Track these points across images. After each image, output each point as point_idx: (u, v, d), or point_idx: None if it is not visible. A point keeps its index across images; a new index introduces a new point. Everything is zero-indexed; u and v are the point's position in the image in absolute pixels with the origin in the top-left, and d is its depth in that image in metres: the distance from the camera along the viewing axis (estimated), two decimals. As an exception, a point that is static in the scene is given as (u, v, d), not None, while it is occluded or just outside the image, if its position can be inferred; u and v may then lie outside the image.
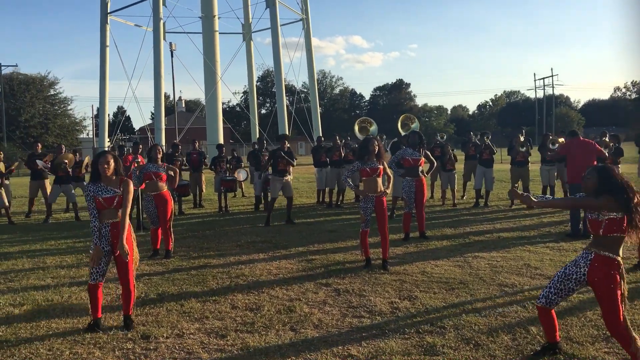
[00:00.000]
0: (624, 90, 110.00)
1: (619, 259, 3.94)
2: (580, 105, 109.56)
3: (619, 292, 3.89)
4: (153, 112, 50.74)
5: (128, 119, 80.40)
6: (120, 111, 72.01)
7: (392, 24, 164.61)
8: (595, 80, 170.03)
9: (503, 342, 4.60)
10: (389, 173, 7.57)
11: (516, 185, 13.11)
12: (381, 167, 7.32)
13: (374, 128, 13.04)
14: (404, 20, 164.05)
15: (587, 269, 4.01)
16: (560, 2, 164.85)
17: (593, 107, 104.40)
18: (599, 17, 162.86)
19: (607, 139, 12.53)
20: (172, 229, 8.46)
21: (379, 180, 7.33)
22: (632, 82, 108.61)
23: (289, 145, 11.64)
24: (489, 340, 4.65)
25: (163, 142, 34.07)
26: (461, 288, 6.23)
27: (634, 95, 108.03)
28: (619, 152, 12.60)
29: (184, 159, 14.29)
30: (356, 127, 13.35)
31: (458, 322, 5.11)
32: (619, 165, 12.62)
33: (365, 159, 7.30)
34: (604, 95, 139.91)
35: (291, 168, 11.54)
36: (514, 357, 4.32)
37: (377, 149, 7.30)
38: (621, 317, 3.89)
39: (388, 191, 7.48)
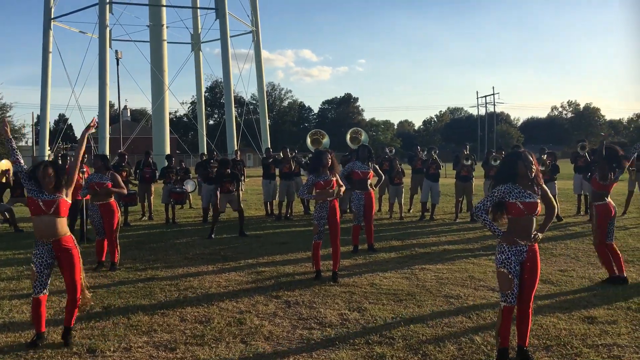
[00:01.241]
0: (560, 109, 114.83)
1: None
2: (519, 123, 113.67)
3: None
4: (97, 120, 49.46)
5: (70, 127, 78.03)
6: (62, 119, 69.78)
7: (342, 39, 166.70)
8: (534, 99, 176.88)
9: (449, 352, 4.74)
10: (342, 185, 7.70)
11: (460, 199, 13.48)
12: (334, 179, 7.43)
13: (326, 141, 13.16)
14: (353, 35, 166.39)
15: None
16: (502, 23, 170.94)
17: (532, 125, 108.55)
18: (538, 39, 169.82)
19: (544, 157, 13.07)
20: (118, 241, 8.29)
21: (332, 192, 7.43)
22: (567, 102, 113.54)
23: (239, 158, 11.61)
24: (435, 350, 4.77)
25: (107, 152, 33.26)
26: (409, 299, 6.36)
27: (569, 115, 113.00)
28: (556, 169, 13.17)
29: (131, 169, 14.02)
30: (308, 140, 13.44)
31: (406, 332, 5.22)
32: (555, 182, 13.20)
33: (319, 171, 7.38)
34: (542, 113, 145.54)
35: (243, 181, 11.52)
36: (460, 366, 4.45)
37: (330, 162, 7.40)
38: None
39: (341, 193, 7.58)
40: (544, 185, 4.55)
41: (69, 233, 5.04)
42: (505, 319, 4.43)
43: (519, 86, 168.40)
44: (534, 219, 4.47)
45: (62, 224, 4.97)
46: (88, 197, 8.35)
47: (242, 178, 16.19)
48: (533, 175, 4.44)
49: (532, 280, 4.46)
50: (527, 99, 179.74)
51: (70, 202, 5.06)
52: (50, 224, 4.89)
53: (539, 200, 4.48)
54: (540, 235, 4.48)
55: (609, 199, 7.13)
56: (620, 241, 9.97)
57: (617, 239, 10.20)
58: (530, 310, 4.52)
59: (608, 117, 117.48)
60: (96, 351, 4.78)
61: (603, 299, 6.26)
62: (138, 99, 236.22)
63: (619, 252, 7.16)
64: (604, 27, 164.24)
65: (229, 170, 11.43)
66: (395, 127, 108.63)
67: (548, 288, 6.81)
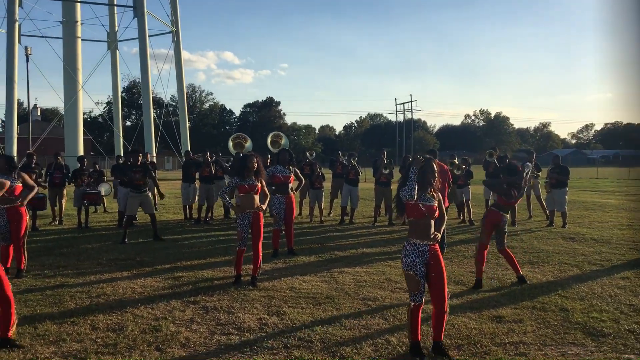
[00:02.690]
0: (473, 117, 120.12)
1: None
2: (436, 129, 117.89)
3: None
4: (4, 119, 46.77)
5: (-27, 125, 73.18)
6: (-36, 117, 65.33)
7: (264, 43, 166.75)
8: (449, 108, 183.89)
9: (366, 353, 4.82)
10: (266, 191, 7.65)
11: (379, 204, 13.78)
12: (259, 184, 7.37)
13: (248, 144, 13.05)
14: (276, 39, 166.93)
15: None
16: (420, 33, 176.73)
17: (447, 132, 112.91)
18: (453, 50, 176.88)
19: (456, 161, 13.60)
20: (25, 246, 7.84)
21: (257, 197, 7.38)
22: (480, 110, 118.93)
23: (149, 160, 11.29)
24: (353, 352, 4.84)
25: (15, 152, 31.49)
26: (328, 303, 6.42)
27: (482, 122, 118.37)
28: (470, 175, 13.75)
29: (41, 171, 13.32)
30: (230, 144, 13.29)
31: (324, 335, 5.27)
32: (469, 186, 13.77)
33: (244, 175, 7.31)
34: (457, 121, 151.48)
35: (148, 184, 11.20)
36: (376, 366, 4.55)
37: (255, 166, 7.34)
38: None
39: (264, 207, 7.56)
40: (439, 193, 4.93)
41: None
42: (414, 316, 4.72)
43: (436, 94, 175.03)
44: (432, 221, 4.78)
45: None
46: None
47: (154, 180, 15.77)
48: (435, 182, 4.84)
49: (440, 278, 4.72)
50: (442, 107, 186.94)
51: None
52: None
53: (436, 204, 4.81)
54: (438, 235, 4.81)
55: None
56: (526, 243, 10.54)
57: (522, 241, 10.80)
58: (446, 307, 4.76)
59: (517, 126, 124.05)
60: (-2, 364, 4.51)
61: (510, 299, 6.59)
62: (49, 97, 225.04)
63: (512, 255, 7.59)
64: (511, 40, 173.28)
65: (139, 159, 11.05)
66: (317, 131, 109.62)
67: (460, 289, 7.09)
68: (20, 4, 34.15)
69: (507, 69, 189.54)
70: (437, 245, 4.82)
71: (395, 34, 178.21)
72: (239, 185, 7.31)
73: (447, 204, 10.39)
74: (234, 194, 7.56)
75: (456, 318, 5.80)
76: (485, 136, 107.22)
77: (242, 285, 7.14)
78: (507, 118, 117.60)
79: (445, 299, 4.74)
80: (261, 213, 7.45)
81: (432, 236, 4.74)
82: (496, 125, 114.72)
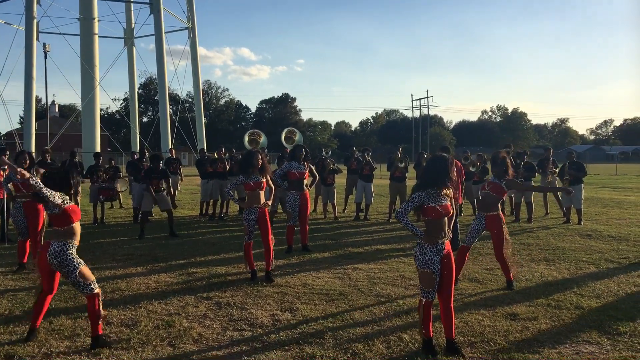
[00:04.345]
0: (490, 113, 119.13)
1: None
2: (452, 125, 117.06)
3: None
4: (22, 115, 47.34)
5: (-7, 122, 74.23)
6: (-16, 113, 66.19)
7: (281, 39, 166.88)
8: (466, 103, 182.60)
9: (378, 350, 4.80)
10: (272, 185, 7.69)
11: (394, 200, 13.72)
12: (264, 180, 7.40)
13: (263, 140, 13.12)
14: (293, 35, 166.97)
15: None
16: (438, 29, 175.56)
17: (463, 128, 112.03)
18: (471, 45, 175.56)
19: (472, 157, 13.49)
20: (42, 242, 7.93)
21: (262, 193, 7.41)
22: (497, 106, 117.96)
23: (174, 156, 11.42)
24: (365, 349, 4.83)
25: (33, 149, 31.89)
26: (340, 299, 6.41)
27: (499, 118, 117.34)
28: (485, 171, 13.63)
29: (58, 166, 13.44)
30: (246, 139, 13.35)
31: (337, 332, 5.26)
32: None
33: (249, 172, 7.33)
34: (473, 117, 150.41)
35: (180, 180, 11.35)
36: (388, 364, 4.53)
37: (260, 163, 7.36)
38: None
39: (270, 202, 7.57)
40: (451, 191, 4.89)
41: None
42: (426, 312, 4.71)
43: (453, 90, 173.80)
44: (446, 219, 4.76)
45: None
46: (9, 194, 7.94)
47: (179, 177, 15.91)
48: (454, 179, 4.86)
49: (450, 275, 4.73)
50: (459, 103, 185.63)
51: None
52: None
53: (449, 202, 4.79)
54: (451, 234, 4.83)
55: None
56: (542, 240, 10.44)
57: (539, 238, 10.69)
58: (452, 304, 4.74)
59: (534, 122, 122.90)
60: (14, 357, 4.57)
61: (525, 296, 6.52)
62: (67, 94, 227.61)
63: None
64: (530, 35, 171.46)
65: (161, 166, 11.23)
66: (333, 127, 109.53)
67: (474, 286, 7.04)
68: (38, 2, 34.51)
69: (525, 64, 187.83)
70: (448, 243, 4.79)
71: (412, 29, 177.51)
72: (244, 182, 7.33)
73: (461, 201, 10.33)
74: (242, 190, 7.59)
75: (470, 315, 5.75)
76: (502, 132, 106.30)
77: (255, 282, 7.16)
78: (525, 114, 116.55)
79: (452, 296, 4.75)
80: (267, 211, 7.47)
81: (446, 234, 4.73)
82: (513, 121, 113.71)
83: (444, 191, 4.75)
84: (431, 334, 4.77)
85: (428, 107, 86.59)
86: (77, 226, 4.93)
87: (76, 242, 4.92)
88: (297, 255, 8.96)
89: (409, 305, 6.13)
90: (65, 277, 4.90)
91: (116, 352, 4.71)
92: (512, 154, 13.80)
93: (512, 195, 13.89)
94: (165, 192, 11.20)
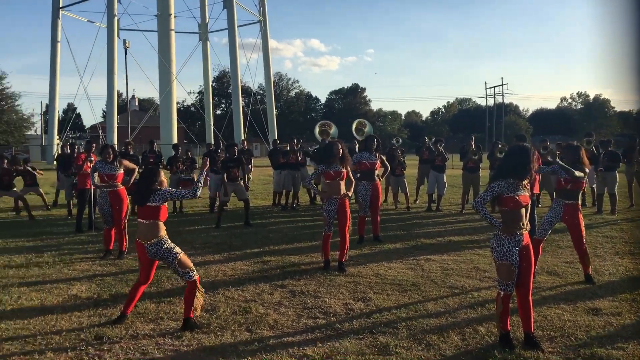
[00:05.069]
0: (570, 100, 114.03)
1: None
2: (528, 114, 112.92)
3: None
4: (105, 109, 49.67)
5: (78, 116, 78.31)
6: (71, 108, 69.91)
7: (350, 29, 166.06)
8: (544, 91, 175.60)
9: (453, 342, 4.76)
10: (352, 177, 7.73)
11: (467, 190, 13.45)
12: (344, 170, 7.44)
13: (333, 131, 13.18)
14: (362, 26, 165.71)
15: None
16: (512, 13, 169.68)
17: (541, 116, 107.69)
18: (548, 30, 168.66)
19: (551, 147, 13.01)
20: (126, 229, 8.34)
21: (342, 183, 7.45)
22: (577, 93, 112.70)
23: (245, 147, 11.69)
24: (439, 340, 4.80)
25: (115, 141, 33.41)
26: (413, 290, 6.38)
27: (579, 106, 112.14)
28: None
29: (139, 158, 14.09)
30: (316, 130, 13.46)
31: (410, 322, 5.25)
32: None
33: (330, 162, 7.39)
34: (552, 105, 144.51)
35: (251, 169, 11.62)
36: (464, 356, 4.48)
37: (341, 153, 7.41)
38: None
39: (350, 193, 7.63)
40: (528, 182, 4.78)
41: None
42: (505, 305, 4.61)
43: (529, 77, 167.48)
44: (524, 209, 4.64)
45: None
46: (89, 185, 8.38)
47: (250, 168, 16.26)
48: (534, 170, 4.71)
49: (529, 267, 4.62)
50: (536, 90, 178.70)
51: None
52: None
53: (527, 193, 4.68)
54: (529, 225, 4.71)
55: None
56: (627, 233, 9.96)
57: (623, 230, 10.21)
58: (530, 297, 4.64)
59: (618, 109, 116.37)
60: (103, 338, 4.84)
61: (608, 291, 6.26)
62: (146, 88, 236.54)
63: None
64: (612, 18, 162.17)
65: (235, 152, 11.50)
66: (403, 117, 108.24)
67: (553, 280, 6.82)
68: (118, 0, 35.98)
69: (607, 48, 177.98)
70: (527, 234, 4.67)
71: (486, 16, 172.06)
72: (325, 171, 7.39)
73: (537, 191, 10.00)
74: (319, 181, 7.65)
75: (549, 309, 5.59)
76: (583, 120, 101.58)
77: (328, 271, 7.24)
78: (608, 101, 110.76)
79: (530, 289, 4.64)
80: (347, 199, 7.51)
81: (525, 225, 4.61)
82: (595, 108, 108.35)
83: (524, 182, 4.63)
84: (508, 327, 4.67)
85: (503, 95, 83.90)
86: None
87: (163, 233, 5.22)
88: (369, 246, 8.98)
89: (484, 298, 6.03)
90: (168, 267, 5.25)
91: (197, 336, 4.91)
92: (595, 143, 13.22)
93: (595, 187, 13.31)
94: (242, 182, 11.49)
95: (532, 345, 4.56)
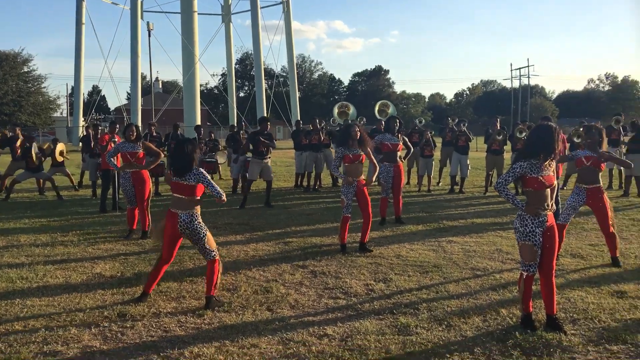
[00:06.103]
0: (597, 82, 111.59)
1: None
2: (554, 95, 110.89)
3: None
4: (129, 92, 50.12)
5: (103, 98, 79.26)
6: (96, 90, 70.70)
7: (374, 10, 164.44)
8: (570, 72, 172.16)
9: (474, 324, 4.73)
10: (375, 163, 7.67)
11: (490, 172, 13.31)
12: (363, 154, 7.38)
13: (352, 112, 13.13)
14: (386, 6, 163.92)
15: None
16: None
17: (567, 98, 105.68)
18: (575, 10, 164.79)
19: (581, 129, 12.76)
20: (149, 209, 8.43)
21: (361, 166, 7.40)
22: (605, 74, 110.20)
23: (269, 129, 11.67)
24: (460, 322, 4.77)
25: (139, 123, 33.71)
26: (435, 271, 6.35)
27: (607, 87, 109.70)
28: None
29: (162, 139, 14.20)
30: (335, 111, 13.43)
31: (431, 304, 5.23)
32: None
33: (348, 144, 7.34)
34: (579, 86, 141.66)
35: (270, 152, 11.57)
36: (485, 337, 4.45)
37: (358, 135, 7.33)
38: None
39: (373, 179, 7.58)
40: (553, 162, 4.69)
41: None
42: (527, 287, 4.58)
43: (555, 58, 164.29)
44: (549, 190, 4.56)
45: None
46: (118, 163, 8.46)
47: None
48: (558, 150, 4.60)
49: (553, 248, 4.56)
50: (563, 72, 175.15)
51: None
52: None
53: (552, 174, 4.59)
54: (554, 205, 4.62)
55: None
56: (655, 216, 9.76)
57: (651, 214, 9.99)
58: (553, 278, 4.59)
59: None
60: (126, 315, 4.92)
61: (634, 274, 6.15)
62: (169, 70, 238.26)
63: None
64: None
65: (268, 127, 11.46)
66: (427, 100, 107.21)
67: (577, 262, 6.72)
68: (142, -18, 36.08)
69: (637, 27, 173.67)
70: (551, 215, 4.59)
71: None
72: (344, 154, 7.33)
73: (560, 173, 9.84)
74: (341, 166, 7.61)
75: (572, 292, 5.51)
76: (611, 102, 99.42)
77: (349, 252, 7.23)
78: (637, 82, 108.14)
79: (553, 271, 4.58)
80: (365, 187, 7.43)
81: (550, 206, 4.54)
82: (623, 90, 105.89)
83: (548, 162, 4.54)
84: (531, 309, 4.63)
85: (529, 77, 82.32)
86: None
87: (198, 210, 5.32)
88: (391, 227, 8.95)
89: (507, 280, 5.97)
90: (194, 244, 5.30)
91: (219, 315, 4.96)
92: (624, 124, 12.93)
93: (622, 169, 13.05)
94: (269, 161, 11.43)
95: (555, 327, 4.51)
